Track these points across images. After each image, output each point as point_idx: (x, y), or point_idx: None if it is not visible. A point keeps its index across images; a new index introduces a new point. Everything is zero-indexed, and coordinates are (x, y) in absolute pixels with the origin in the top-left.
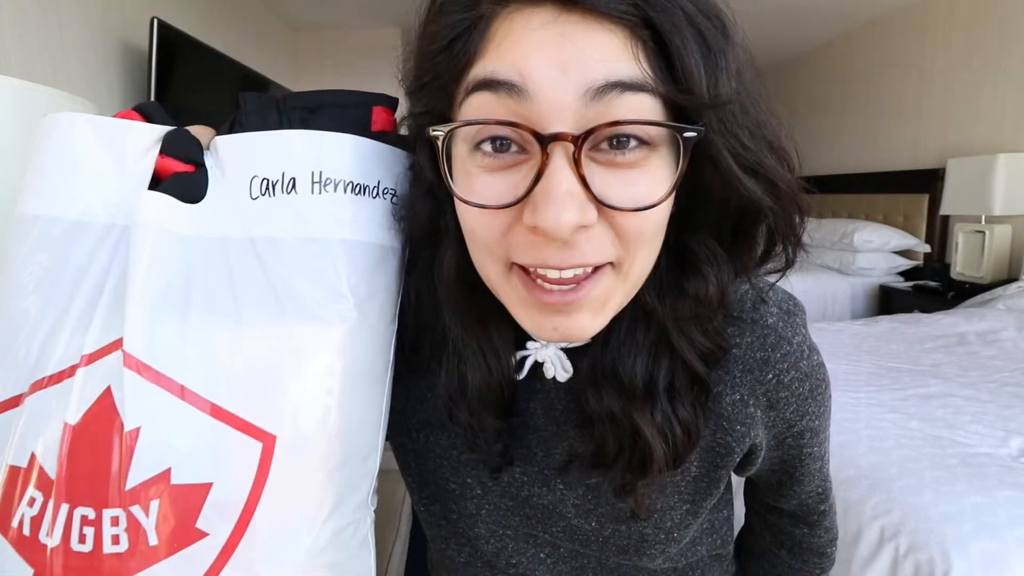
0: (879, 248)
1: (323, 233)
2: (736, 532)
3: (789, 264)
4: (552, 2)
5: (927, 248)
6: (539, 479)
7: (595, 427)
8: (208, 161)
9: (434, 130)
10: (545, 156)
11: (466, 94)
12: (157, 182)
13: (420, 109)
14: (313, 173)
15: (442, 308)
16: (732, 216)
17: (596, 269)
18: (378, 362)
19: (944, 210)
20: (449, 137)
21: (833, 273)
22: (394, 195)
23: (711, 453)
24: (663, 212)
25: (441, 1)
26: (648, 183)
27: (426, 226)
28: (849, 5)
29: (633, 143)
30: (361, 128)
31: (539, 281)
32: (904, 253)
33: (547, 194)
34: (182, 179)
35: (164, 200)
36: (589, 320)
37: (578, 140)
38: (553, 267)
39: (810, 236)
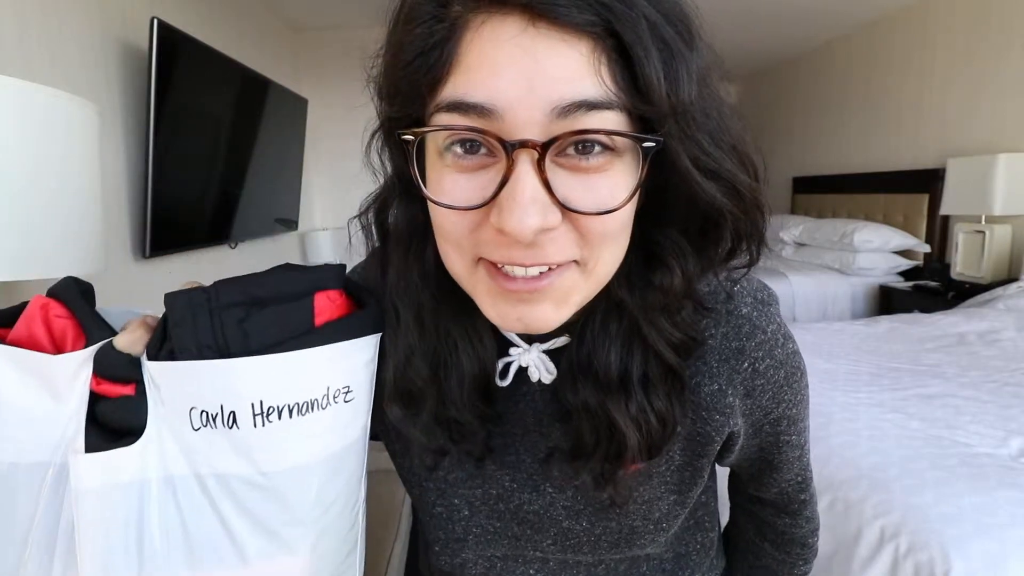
0: (879, 248)
1: (271, 466)
2: (722, 527)
3: (753, 262)
4: (520, 12)
5: (927, 248)
6: (528, 485)
7: (572, 420)
8: (146, 377)
9: (405, 134)
10: (511, 162)
11: (438, 109)
12: (97, 398)
13: (394, 114)
14: (253, 405)
15: (425, 308)
16: (698, 215)
17: (560, 264)
18: (344, 550)
19: (944, 210)
20: (421, 138)
21: (833, 273)
22: (348, 391)
23: (692, 443)
24: (626, 214)
25: (410, 5)
26: (610, 187)
27: (406, 228)
28: (849, 6)
29: (597, 149)
30: (303, 325)
31: (504, 268)
32: (904, 253)
33: (512, 199)
34: (120, 405)
35: (101, 458)
36: (552, 311)
37: (542, 147)
38: (519, 264)
39: (811, 236)
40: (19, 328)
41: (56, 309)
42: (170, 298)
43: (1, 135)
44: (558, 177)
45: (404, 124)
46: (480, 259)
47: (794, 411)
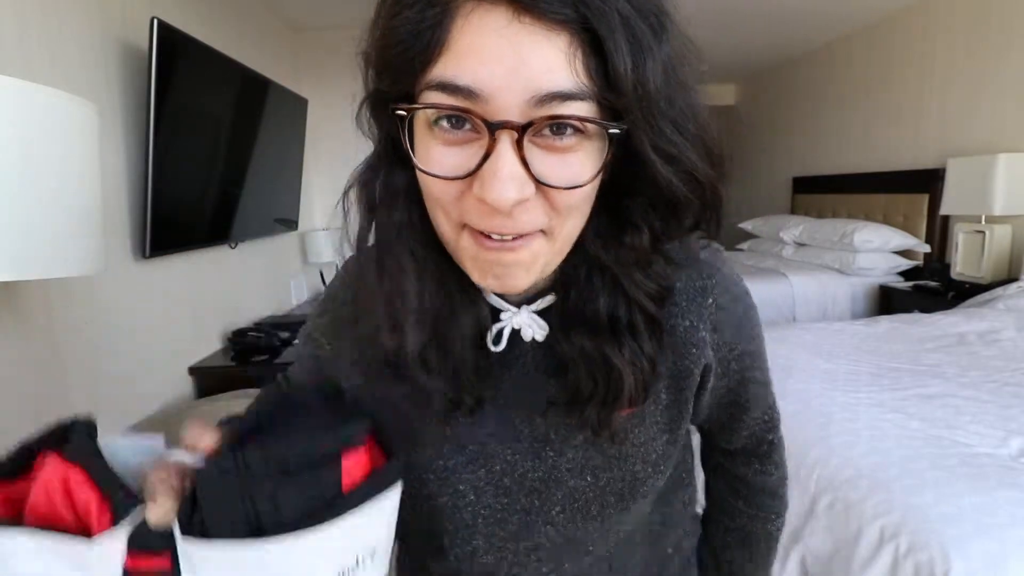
0: (879, 248)
1: None
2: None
3: (712, 237)
4: (507, 4)
5: (927, 248)
6: (530, 454)
7: (570, 370)
8: (180, 549)
9: (399, 109)
10: (493, 140)
11: (427, 87)
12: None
13: (384, 87)
14: None
15: (418, 276)
16: (661, 194)
17: (529, 234)
18: None
19: (944, 210)
20: (412, 113)
21: (833, 273)
22: (374, 552)
23: (675, 379)
24: (591, 188)
25: None
26: (579, 166)
27: (403, 190)
28: (849, 6)
29: (569, 131)
30: (331, 490)
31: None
32: (904, 253)
33: (493, 174)
34: None
35: None
36: (523, 274)
37: (520, 128)
38: (497, 232)
39: (811, 236)
40: (38, 498)
41: (76, 475)
42: (200, 476)
43: (1, 135)
44: (534, 155)
45: (394, 97)
46: (464, 225)
47: (754, 346)
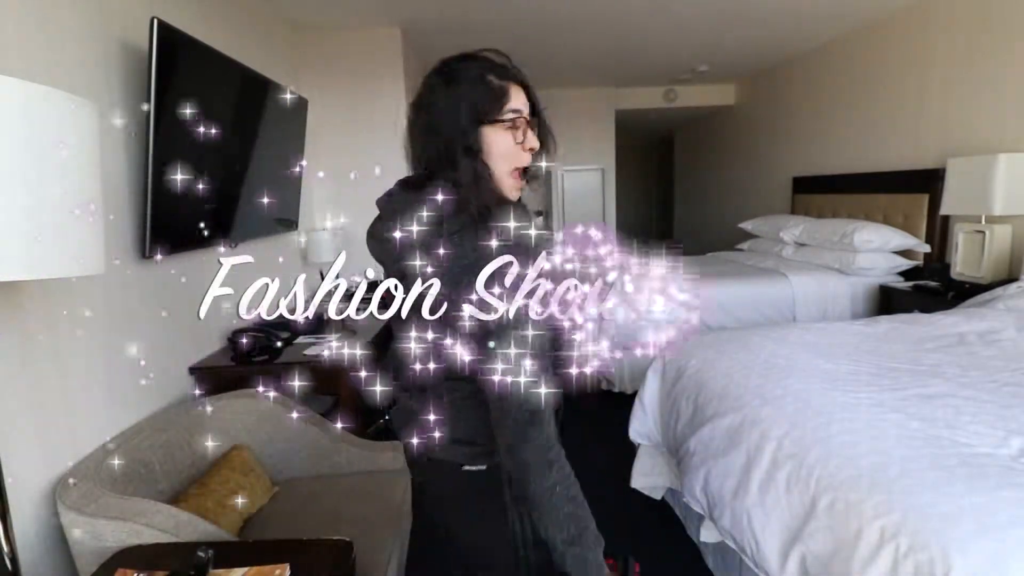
0: (879, 248)
1: None
2: None
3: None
4: (518, 84)
5: (927, 248)
6: None
7: None
8: None
9: (507, 119)
10: (528, 125)
11: (508, 112)
12: None
13: (490, 117)
14: None
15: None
16: (546, 137)
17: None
18: None
19: (944, 210)
20: (503, 120)
21: (833, 273)
22: None
23: None
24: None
25: (474, 79)
26: (533, 131)
27: (483, 163)
28: (849, 6)
29: (534, 118)
30: None
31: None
32: (904, 253)
33: (536, 137)
34: None
35: None
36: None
37: (533, 120)
38: (527, 164)
39: (811, 236)
40: None
41: None
42: None
43: (1, 135)
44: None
45: (487, 120)
46: (513, 169)
47: None
